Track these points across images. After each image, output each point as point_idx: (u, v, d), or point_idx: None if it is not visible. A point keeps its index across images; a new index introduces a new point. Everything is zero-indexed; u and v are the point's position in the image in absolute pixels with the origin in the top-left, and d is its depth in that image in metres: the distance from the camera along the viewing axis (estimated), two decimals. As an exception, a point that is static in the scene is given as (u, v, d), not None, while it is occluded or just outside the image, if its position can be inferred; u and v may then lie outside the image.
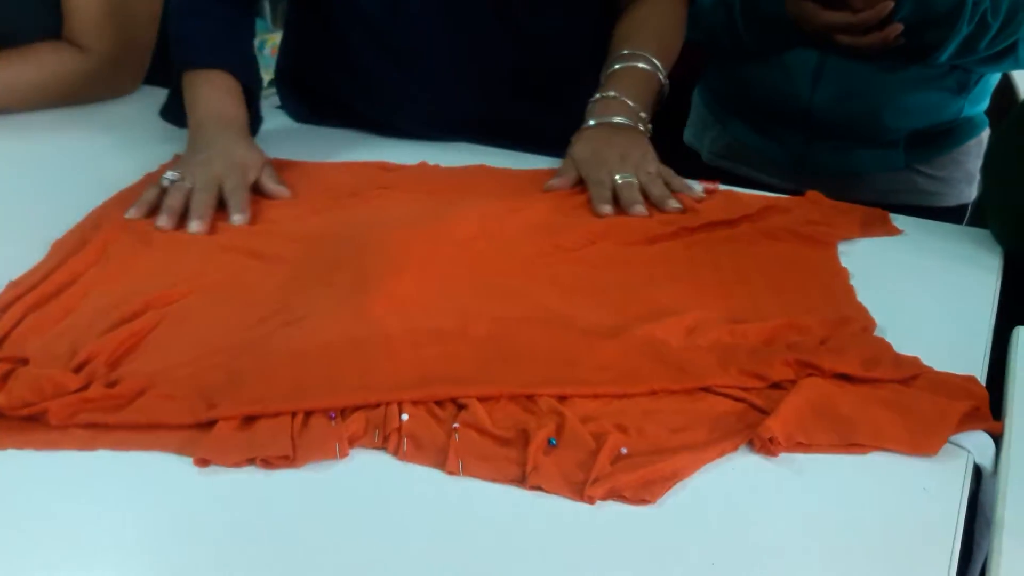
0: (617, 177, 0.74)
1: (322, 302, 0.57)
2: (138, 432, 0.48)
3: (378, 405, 0.50)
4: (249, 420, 0.49)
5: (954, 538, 0.44)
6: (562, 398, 0.51)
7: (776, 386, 0.52)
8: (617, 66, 0.82)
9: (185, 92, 0.82)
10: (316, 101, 0.92)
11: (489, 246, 0.64)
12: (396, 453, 0.48)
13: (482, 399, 0.50)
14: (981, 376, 0.56)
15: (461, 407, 0.50)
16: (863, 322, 0.59)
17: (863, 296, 0.63)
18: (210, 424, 0.48)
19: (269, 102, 0.96)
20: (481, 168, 0.80)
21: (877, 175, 0.99)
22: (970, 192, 1.02)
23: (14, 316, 0.56)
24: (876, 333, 0.58)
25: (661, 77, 0.83)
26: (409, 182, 0.76)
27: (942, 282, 0.67)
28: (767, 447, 0.48)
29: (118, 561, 0.42)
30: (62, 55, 0.96)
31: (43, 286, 0.59)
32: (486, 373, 0.52)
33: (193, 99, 0.81)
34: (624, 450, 0.47)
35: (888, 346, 0.56)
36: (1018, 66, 0.92)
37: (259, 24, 3.14)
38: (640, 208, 0.71)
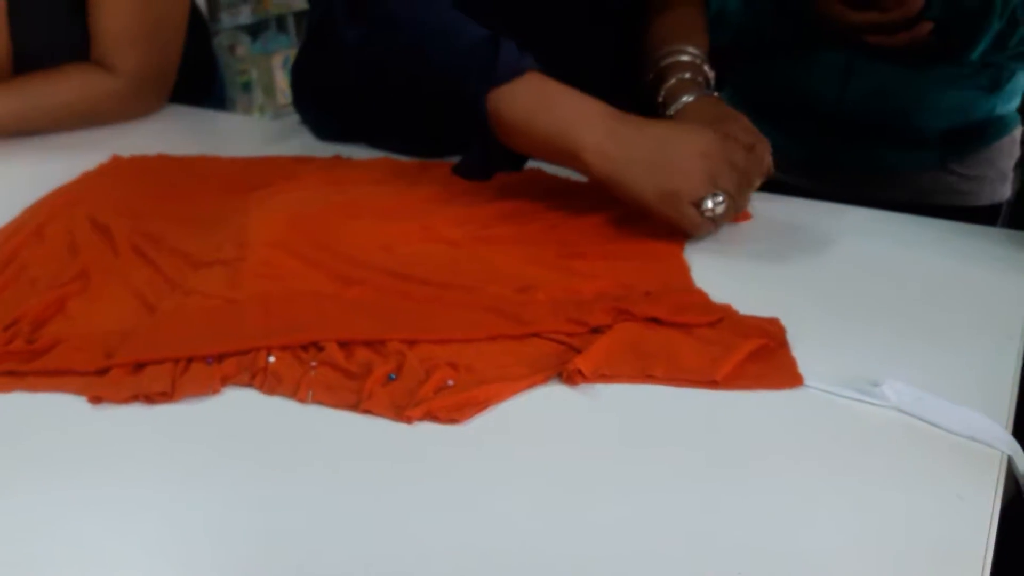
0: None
1: (209, 278, 0.65)
2: (47, 377, 0.57)
3: (249, 351, 0.58)
4: (140, 367, 0.58)
5: (986, 549, 0.44)
6: (411, 343, 0.59)
7: (596, 331, 0.60)
8: (670, 60, 0.83)
9: (518, 120, 0.71)
10: (341, 120, 0.92)
11: (366, 224, 0.72)
12: (261, 387, 0.56)
13: (341, 343, 0.59)
14: (1015, 378, 0.57)
15: (321, 351, 0.59)
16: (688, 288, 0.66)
17: (894, 298, 0.65)
18: (107, 370, 0.57)
19: (292, 119, 1.00)
20: (386, 160, 0.88)
21: (909, 175, 1.00)
22: (1004, 190, 1.03)
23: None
24: (905, 333, 0.61)
25: (707, 68, 0.85)
26: (315, 172, 0.84)
27: (974, 284, 0.68)
28: (572, 378, 0.56)
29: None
30: (90, 76, 0.99)
31: (-14, 266, 0.69)
32: (346, 322, 0.60)
33: (559, 116, 0.70)
34: (451, 382, 0.55)
35: (704, 296, 0.64)
36: None
37: (283, 40, 3.26)
38: None
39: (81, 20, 1.00)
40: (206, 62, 1.26)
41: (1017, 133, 1.03)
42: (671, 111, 0.82)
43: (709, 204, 0.68)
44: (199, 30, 1.20)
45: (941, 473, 0.50)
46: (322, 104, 0.95)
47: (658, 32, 0.89)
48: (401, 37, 0.76)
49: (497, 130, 0.73)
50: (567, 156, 0.71)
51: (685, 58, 0.84)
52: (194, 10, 1.14)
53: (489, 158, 0.76)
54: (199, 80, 1.19)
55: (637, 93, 0.87)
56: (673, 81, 0.82)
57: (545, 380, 0.56)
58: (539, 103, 0.71)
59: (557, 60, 0.73)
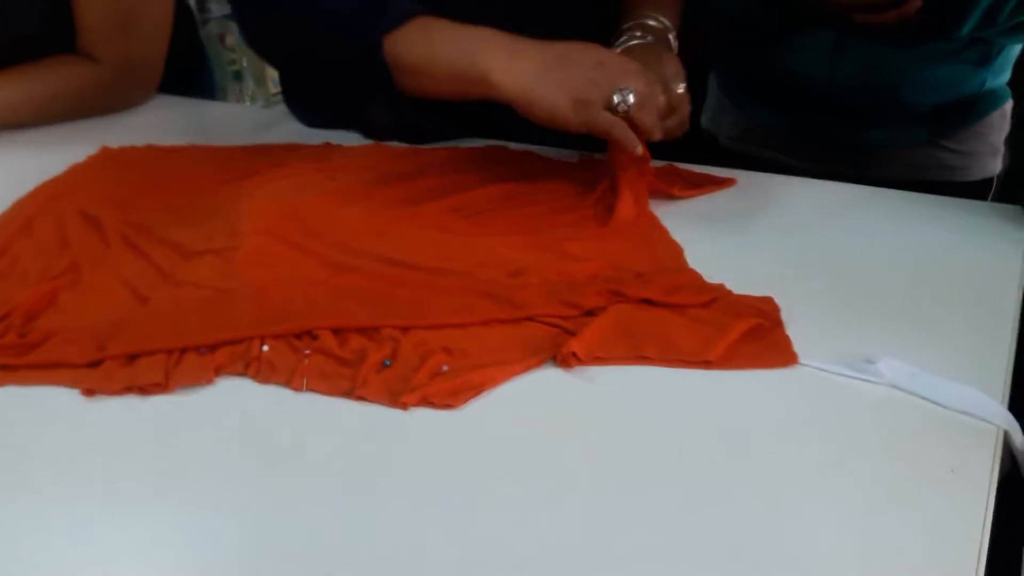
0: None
1: (201, 268, 0.65)
2: (40, 371, 0.57)
3: (243, 340, 0.58)
4: (132, 358, 0.57)
5: (983, 524, 0.44)
6: (405, 329, 0.59)
7: (589, 313, 0.60)
8: (634, 21, 0.84)
9: (414, 63, 0.71)
10: (326, 107, 0.92)
11: (357, 210, 0.72)
12: (256, 377, 0.56)
13: (334, 331, 0.59)
14: (1010, 352, 0.57)
15: (315, 339, 0.58)
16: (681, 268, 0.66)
17: (887, 274, 0.66)
18: (100, 362, 0.57)
19: (282, 107, 0.98)
20: (376, 147, 0.88)
21: (900, 152, 1.00)
22: (995, 165, 1.03)
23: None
24: (899, 309, 0.61)
25: (672, 37, 0.86)
26: (305, 160, 0.84)
27: (967, 259, 0.69)
28: (567, 360, 0.56)
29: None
30: (75, 67, 0.99)
31: (-25, 260, 0.69)
32: (339, 309, 0.60)
33: (460, 45, 0.71)
34: (445, 368, 0.55)
35: (697, 276, 0.64)
36: None
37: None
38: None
39: (66, 11, 0.99)
40: (194, 51, 1.25)
41: (1007, 107, 1.03)
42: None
43: (617, 99, 0.70)
44: (185, 19, 1.19)
45: (938, 449, 0.50)
46: (309, 94, 0.95)
47: (629, 2, 0.89)
48: (287, 10, 0.76)
49: (401, 78, 0.72)
50: (475, 83, 0.71)
51: (652, 23, 0.85)
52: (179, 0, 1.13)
53: (399, 114, 0.75)
54: (187, 70, 1.18)
55: None
56: (624, 37, 0.83)
57: (539, 364, 0.56)
58: (436, 38, 0.71)
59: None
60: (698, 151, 0.81)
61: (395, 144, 0.89)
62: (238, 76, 3.16)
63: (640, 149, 0.73)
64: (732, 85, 1.08)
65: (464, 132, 0.89)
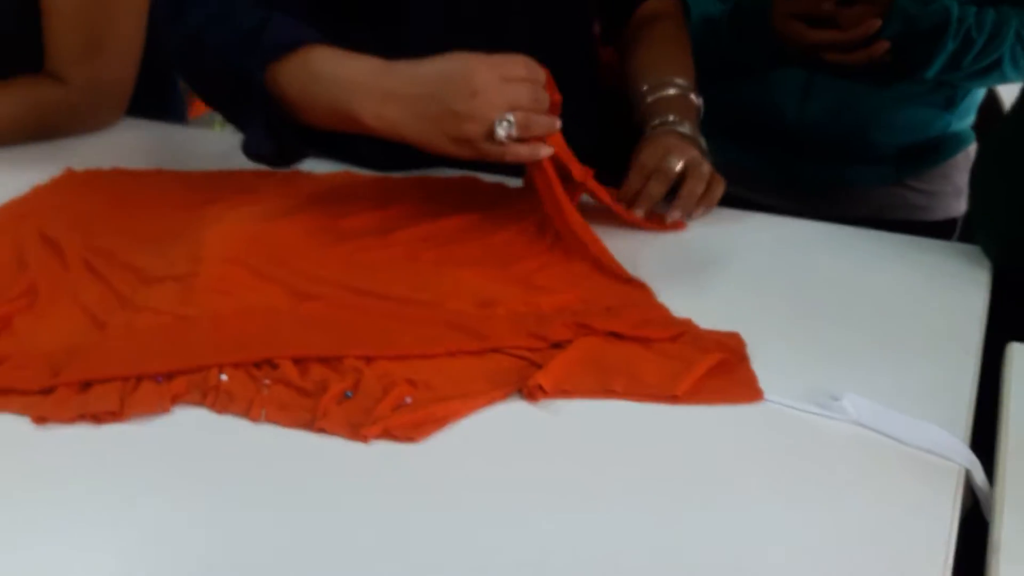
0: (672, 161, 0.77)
1: (161, 294, 0.64)
2: (-10, 397, 0.56)
3: (201, 369, 0.57)
4: (87, 385, 0.56)
5: (945, 561, 0.44)
6: (368, 360, 0.58)
7: (557, 346, 0.60)
8: (658, 94, 0.85)
9: (299, 87, 0.70)
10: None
11: (324, 239, 0.71)
12: (213, 406, 0.55)
13: (295, 360, 0.58)
14: (972, 391, 0.57)
15: (275, 368, 0.57)
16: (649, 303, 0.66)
17: (853, 312, 0.66)
18: (52, 389, 0.55)
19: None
20: (345, 174, 0.87)
21: (867, 191, 1.02)
22: (959, 205, 1.05)
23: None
24: (864, 347, 0.62)
25: (694, 97, 0.87)
26: (274, 187, 0.83)
27: (931, 298, 0.69)
28: (533, 393, 0.55)
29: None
30: (42, 88, 0.97)
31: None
32: (301, 338, 0.59)
33: (333, 87, 0.70)
34: (408, 400, 0.54)
35: (664, 311, 0.64)
36: (1003, 80, 0.95)
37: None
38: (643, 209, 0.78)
39: (34, 31, 0.98)
40: (165, 73, 1.24)
41: (972, 149, 1.05)
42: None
43: (501, 133, 0.68)
44: (157, 40, 1.18)
45: (901, 487, 0.50)
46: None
47: (644, 59, 0.89)
48: (187, 30, 0.76)
49: (286, 109, 0.72)
50: (353, 125, 0.70)
51: (672, 91, 0.85)
52: (152, 21, 1.12)
53: (278, 139, 0.75)
54: (158, 92, 1.17)
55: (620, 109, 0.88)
56: (657, 123, 0.83)
57: (505, 396, 0.55)
58: (312, 77, 0.70)
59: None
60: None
61: (364, 172, 0.88)
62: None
63: (546, 151, 0.71)
64: (703, 123, 1.09)
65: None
